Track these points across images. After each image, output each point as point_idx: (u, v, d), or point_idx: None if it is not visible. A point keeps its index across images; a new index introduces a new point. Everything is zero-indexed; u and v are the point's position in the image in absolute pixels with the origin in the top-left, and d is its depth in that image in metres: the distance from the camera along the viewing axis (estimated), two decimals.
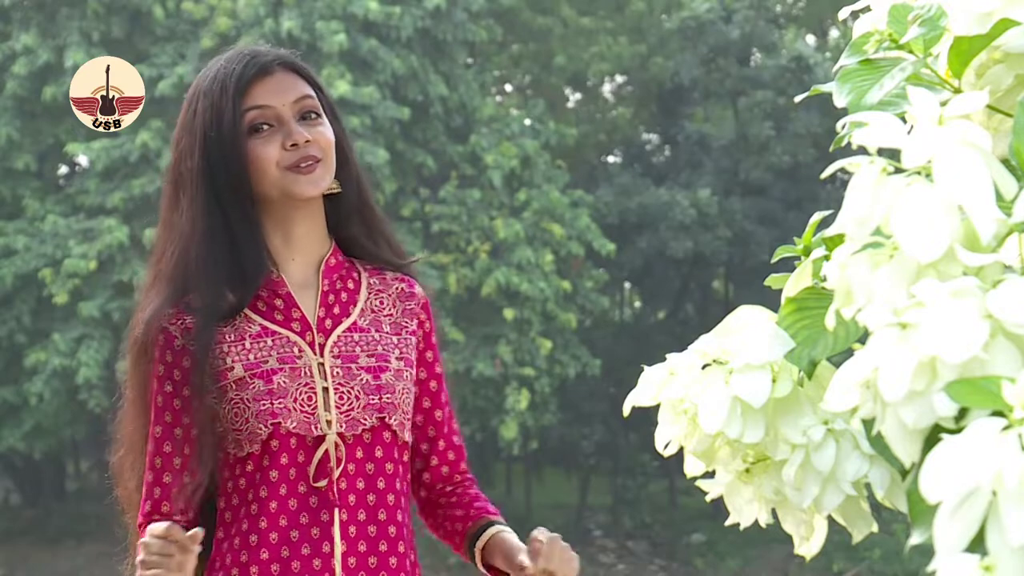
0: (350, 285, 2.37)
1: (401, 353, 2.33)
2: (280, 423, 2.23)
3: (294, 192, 2.27)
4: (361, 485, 2.26)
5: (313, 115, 2.31)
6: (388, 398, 2.28)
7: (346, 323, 2.33)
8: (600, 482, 23.05)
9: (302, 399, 2.25)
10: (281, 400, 2.24)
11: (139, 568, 2.11)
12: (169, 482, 2.28)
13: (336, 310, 2.34)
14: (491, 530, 2.36)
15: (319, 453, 2.25)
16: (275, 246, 2.33)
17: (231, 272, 2.27)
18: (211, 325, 2.26)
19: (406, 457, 2.33)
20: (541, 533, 2.20)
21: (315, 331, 2.30)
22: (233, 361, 2.26)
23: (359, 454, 2.27)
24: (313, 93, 2.33)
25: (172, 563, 2.08)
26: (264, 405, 2.23)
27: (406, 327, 2.37)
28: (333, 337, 2.31)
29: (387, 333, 2.34)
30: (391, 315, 2.37)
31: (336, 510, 2.24)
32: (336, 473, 2.25)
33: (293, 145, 2.26)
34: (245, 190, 2.28)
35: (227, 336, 2.27)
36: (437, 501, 2.43)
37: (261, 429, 2.23)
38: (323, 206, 2.35)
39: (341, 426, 2.26)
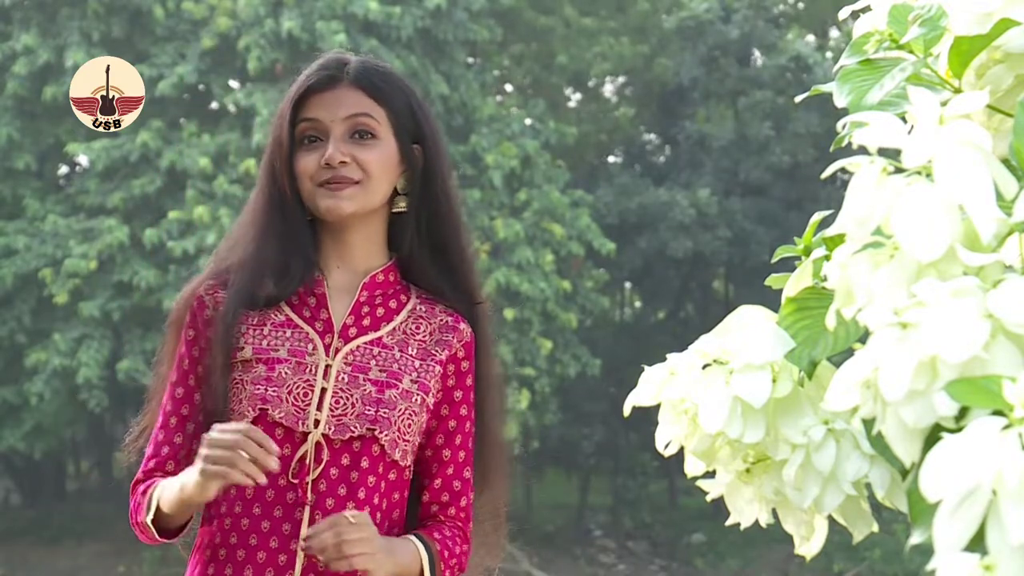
0: (392, 304, 2.37)
1: (418, 376, 2.32)
2: (268, 410, 2.24)
3: (318, 209, 2.30)
4: (342, 491, 2.25)
5: (367, 135, 2.30)
6: (384, 413, 2.27)
7: (370, 336, 2.33)
8: (600, 482, 23.05)
9: (297, 393, 2.26)
10: (276, 389, 2.25)
11: (201, 461, 2.08)
12: (180, 442, 2.32)
13: (366, 322, 2.34)
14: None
15: (302, 450, 2.25)
16: (327, 248, 2.36)
17: (276, 267, 2.31)
18: (238, 307, 2.29)
19: (392, 476, 2.30)
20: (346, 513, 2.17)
21: (336, 335, 2.31)
22: (246, 342, 2.28)
23: (345, 460, 2.26)
24: (375, 112, 2.31)
25: (240, 463, 2.06)
26: (258, 390, 2.25)
27: (434, 355, 2.34)
28: (352, 345, 2.31)
29: (411, 355, 2.33)
30: (423, 341, 2.35)
31: (310, 510, 2.24)
32: (315, 473, 2.25)
33: (326, 164, 2.27)
34: (295, 195, 2.31)
35: (251, 319, 2.31)
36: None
37: (249, 412, 2.25)
38: (384, 221, 2.36)
39: (329, 429, 2.25)
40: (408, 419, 2.29)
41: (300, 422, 2.25)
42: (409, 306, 2.36)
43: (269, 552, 2.23)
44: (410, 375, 2.30)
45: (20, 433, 18.70)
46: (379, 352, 2.31)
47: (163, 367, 2.39)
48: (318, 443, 2.25)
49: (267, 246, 2.31)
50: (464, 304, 2.39)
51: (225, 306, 2.30)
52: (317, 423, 2.25)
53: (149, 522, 2.23)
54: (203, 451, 2.09)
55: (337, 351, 2.30)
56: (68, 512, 21.24)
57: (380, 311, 2.35)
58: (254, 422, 2.24)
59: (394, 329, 2.34)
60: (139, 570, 18.57)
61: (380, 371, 2.30)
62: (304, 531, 2.20)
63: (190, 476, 2.13)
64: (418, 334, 2.35)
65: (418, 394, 2.30)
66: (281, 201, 2.31)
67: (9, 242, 18.52)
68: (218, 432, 2.10)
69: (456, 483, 2.37)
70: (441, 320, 2.36)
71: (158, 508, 2.23)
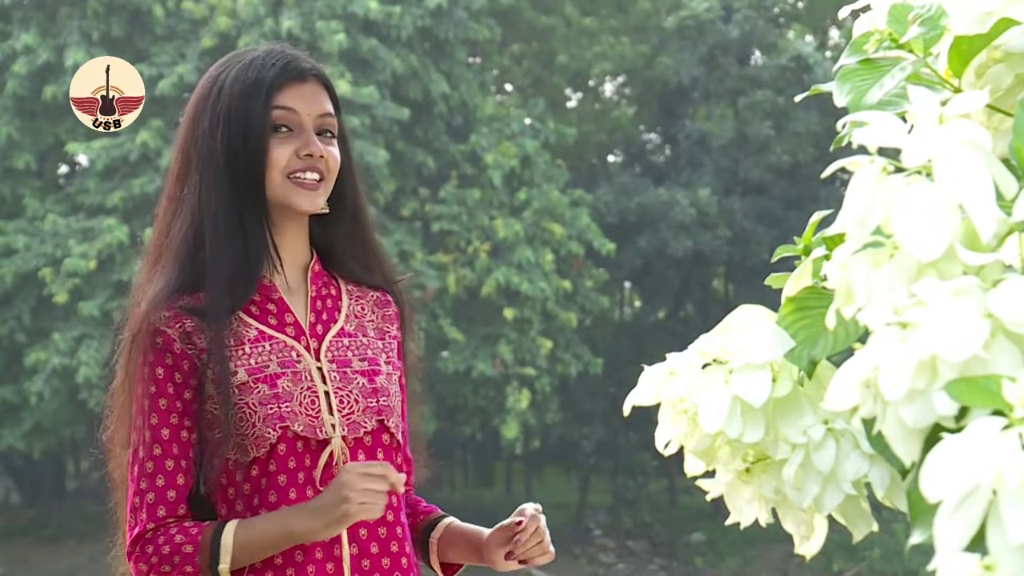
0: (332, 291, 2.38)
1: (388, 357, 2.36)
2: (288, 427, 2.22)
3: (291, 202, 2.28)
4: None
5: (329, 134, 2.33)
6: (385, 401, 2.30)
7: (335, 328, 2.34)
8: (600, 481, 23.06)
9: (306, 403, 2.25)
10: (288, 404, 2.23)
11: (345, 504, 2.12)
12: (183, 483, 2.23)
13: (324, 316, 2.35)
14: (446, 520, 2.41)
15: (324, 456, 2.24)
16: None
17: (240, 261, 2.25)
18: (222, 331, 2.23)
19: (399, 459, 2.34)
20: (530, 506, 2.33)
21: (308, 336, 2.31)
22: (237, 366, 2.23)
23: (361, 457, 2.27)
24: (334, 113, 2.35)
25: (379, 499, 2.13)
26: (272, 409, 2.22)
27: (388, 332, 2.40)
28: (326, 342, 2.31)
29: (372, 338, 2.37)
30: (373, 320, 2.39)
31: None
32: None
33: (308, 155, 2.27)
34: (260, 182, 2.27)
35: (226, 340, 2.25)
36: None
37: (270, 433, 2.21)
38: (308, 218, 2.36)
39: (344, 429, 2.26)
40: (399, 400, 2.34)
41: (318, 430, 2.24)
42: (344, 290, 2.39)
43: (317, 564, 2.22)
44: (382, 356, 2.35)
45: (20, 432, 18.71)
46: (349, 342, 2.33)
47: (122, 373, 2.30)
48: (340, 447, 2.26)
49: (230, 235, 2.25)
50: (384, 285, 2.44)
51: (209, 336, 2.23)
52: (334, 427, 2.26)
53: (226, 570, 2.17)
54: (350, 493, 2.11)
55: (317, 352, 2.30)
56: (68, 511, 21.24)
57: (329, 302, 2.36)
58: (278, 441, 2.22)
59: (348, 315, 2.37)
60: None
61: (360, 360, 2.32)
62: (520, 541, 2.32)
63: (315, 519, 2.14)
64: (366, 315, 2.39)
65: (394, 373, 2.36)
66: (239, 185, 2.26)
67: (9, 241, 18.52)
68: (363, 470, 2.13)
69: (407, 451, 2.42)
70: (373, 297, 2.42)
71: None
